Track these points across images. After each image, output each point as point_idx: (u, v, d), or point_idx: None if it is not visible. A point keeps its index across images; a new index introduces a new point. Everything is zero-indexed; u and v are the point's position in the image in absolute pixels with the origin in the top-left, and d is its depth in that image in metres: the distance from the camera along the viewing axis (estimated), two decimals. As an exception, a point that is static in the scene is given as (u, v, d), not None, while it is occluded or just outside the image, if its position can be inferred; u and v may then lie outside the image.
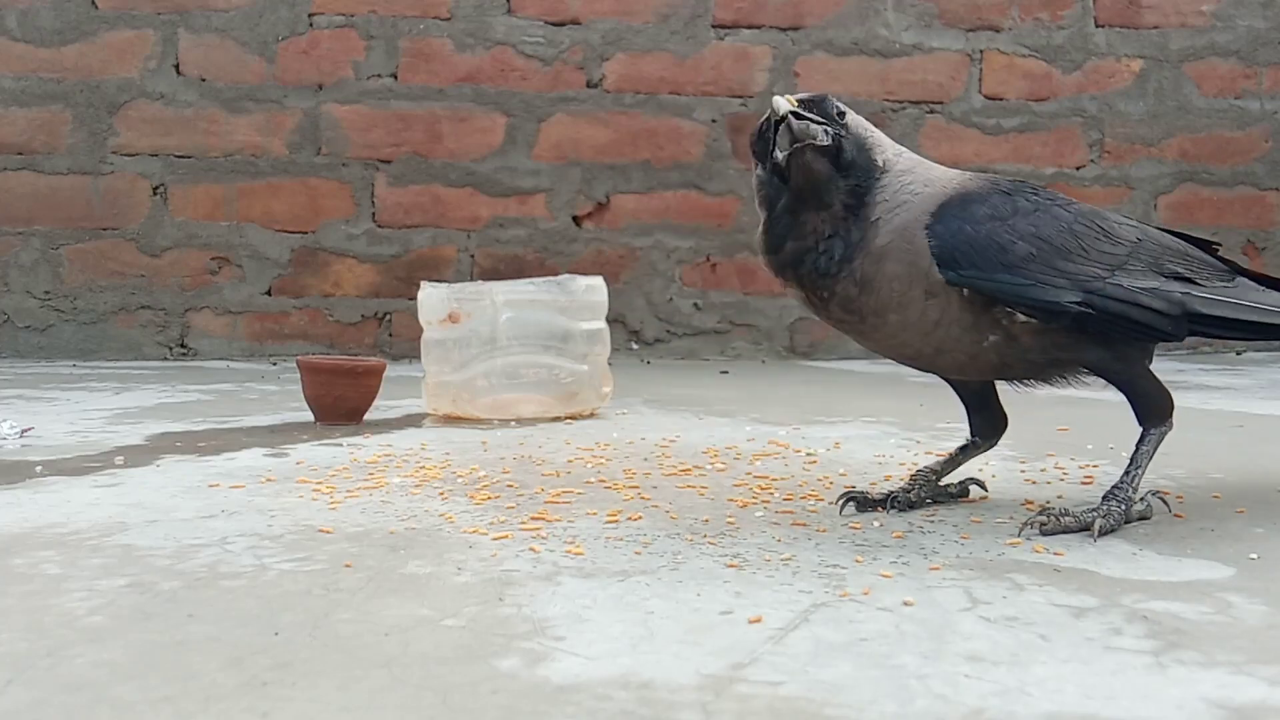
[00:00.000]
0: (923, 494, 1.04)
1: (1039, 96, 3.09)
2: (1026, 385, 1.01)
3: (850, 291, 0.91)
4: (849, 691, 0.55)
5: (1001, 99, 3.08)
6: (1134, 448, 0.96)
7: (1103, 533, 0.89)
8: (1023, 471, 1.23)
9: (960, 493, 1.07)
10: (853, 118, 0.95)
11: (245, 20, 2.93)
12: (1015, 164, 3.08)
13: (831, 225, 0.91)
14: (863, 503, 1.02)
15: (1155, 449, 0.96)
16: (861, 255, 0.91)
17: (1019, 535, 0.90)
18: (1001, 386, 1.06)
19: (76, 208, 2.92)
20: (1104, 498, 0.93)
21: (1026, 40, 3.08)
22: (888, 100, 3.05)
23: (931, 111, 3.06)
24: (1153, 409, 0.95)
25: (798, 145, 0.90)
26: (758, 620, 0.67)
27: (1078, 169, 3.11)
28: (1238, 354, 3.06)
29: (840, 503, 1.01)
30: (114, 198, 2.93)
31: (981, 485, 1.08)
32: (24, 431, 1.49)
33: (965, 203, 0.92)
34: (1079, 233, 0.92)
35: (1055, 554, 0.84)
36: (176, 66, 2.93)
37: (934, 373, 1.00)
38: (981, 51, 3.07)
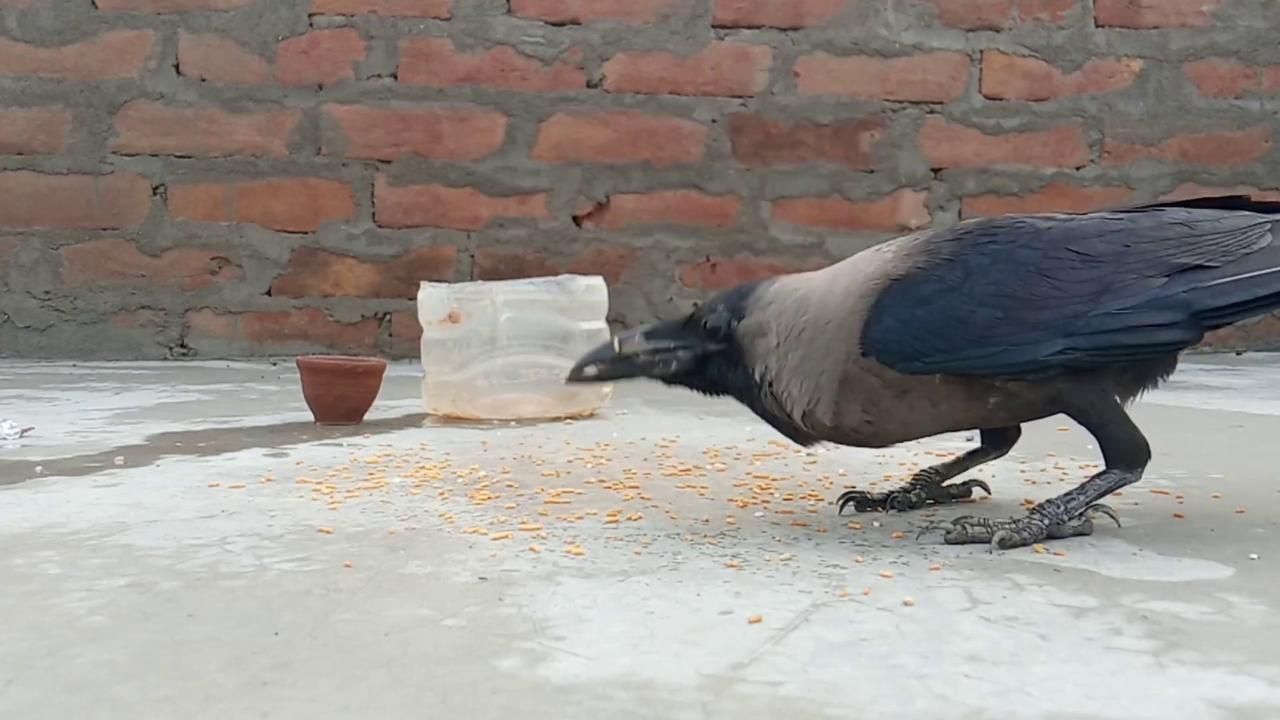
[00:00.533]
0: (924, 494, 1.04)
1: (1039, 96, 3.09)
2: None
3: (835, 439, 0.94)
4: (849, 691, 0.55)
5: (1001, 99, 3.08)
6: (1090, 475, 0.91)
7: (1005, 545, 0.85)
8: (1023, 471, 1.23)
9: (962, 493, 1.06)
10: (743, 325, 0.94)
11: (245, 20, 2.93)
12: (1015, 164, 3.08)
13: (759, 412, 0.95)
14: (862, 502, 1.01)
15: (1108, 490, 0.89)
16: (809, 429, 0.93)
17: (917, 539, 0.89)
18: None
19: (76, 208, 2.92)
20: (1032, 510, 0.89)
21: (1026, 40, 3.08)
22: (888, 100, 3.05)
23: (931, 111, 3.06)
24: (1122, 457, 0.89)
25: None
26: (758, 620, 0.66)
27: (1078, 169, 3.11)
28: (1238, 354, 3.06)
29: (840, 502, 1.01)
30: (114, 198, 2.93)
31: (984, 486, 1.08)
32: (24, 431, 1.49)
33: (903, 290, 0.88)
34: (1049, 270, 0.87)
35: (1055, 554, 0.84)
36: (176, 66, 2.93)
37: (959, 432, 0.98)
38: (981, 51, 3.07)
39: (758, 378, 0.93)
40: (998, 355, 0.85)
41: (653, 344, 0.96)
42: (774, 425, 0.97)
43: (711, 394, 0.98)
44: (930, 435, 0.95)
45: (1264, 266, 0.86)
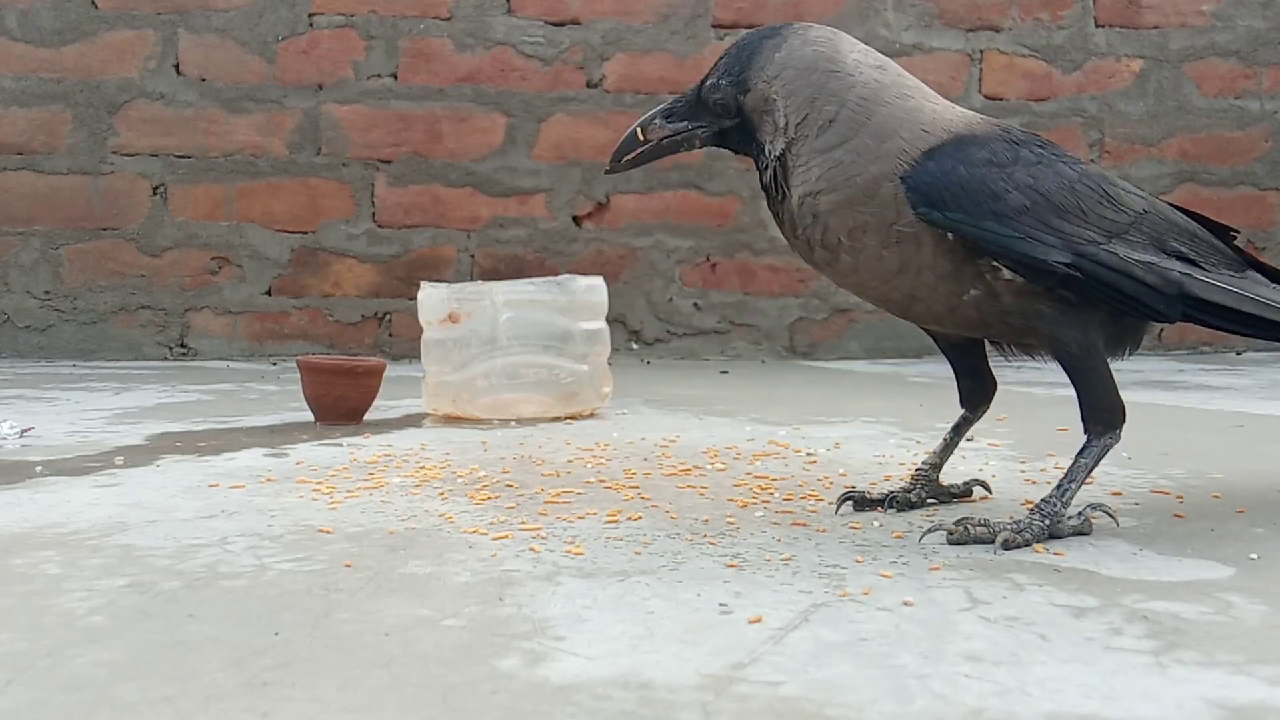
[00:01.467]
0: (924, 494, 1.03)
1: (1039, 96, 3.09)
2: (1003, 350, 0.97)
3: (795, 223, 0.91)
4: (849, 691, 0.55)
5: (1001, 99, 3.08)
6: (1073, 459, 0.90)
7: (1008, 546, 0.85)
8: (1023, 471, 1.23)
9: (963, 493, 1.06)
10: (749, 99, 0.92)
11: (245, 20, 2.93)
12: (1015, 164, 3.08)
13: (765, 163, 0.93)
14: (861, 502, 1.01)
15: (1096, 462, 0.90)
16: (798, 204, 0.90)
17: (919, 541, 0.88)
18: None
19: (76, 208, 2.93)
20: (1031, 509, 0.89)
21: (1026, 40, 3.08)
22: (888, 100, 3.04)
23: (931, 111, 3.06)
24: (1100, 413, 0.89)
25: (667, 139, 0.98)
26: (758, 620, 0.66)
27: (1078, 169, 3.11)
28: (1238, 354, 3.06)
29: (839, 502, 1.01)
30: (114, 198, 2.93)
31: (985, 486, 1.08)
32: (24, 431, 1.49)
33: (961, 145, 0.88)
34: (1081, 193, 0.89)
35: (1055, 554, 0.84)
36: (176, 66, 2.93)
37: (912, 321, 0.96)
38: (981, 51, 3.07)
39: (767, 149, 0.92)
40: (1013, 240, 0.86)
41: (672, 126, 0.98)
42: (774, 201, 0.94)
43: (741, 153, 0.98)
44: (869, 296, 0.94)
45: (1245, 290, 0.91)
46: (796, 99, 0.90)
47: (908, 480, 1.05)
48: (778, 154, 0.91)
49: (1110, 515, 0.91)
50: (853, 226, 0.88)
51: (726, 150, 0.99)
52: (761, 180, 0.94)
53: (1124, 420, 0.91)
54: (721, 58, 0.96)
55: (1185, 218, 0.95)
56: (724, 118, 0.95)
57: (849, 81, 0.90)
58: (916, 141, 0.88)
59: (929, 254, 0.87)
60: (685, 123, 0.97)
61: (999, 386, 1.05)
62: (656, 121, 0.98)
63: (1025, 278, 0.86)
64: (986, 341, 1.01)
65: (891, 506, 1.01)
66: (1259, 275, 0.96)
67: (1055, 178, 0.89)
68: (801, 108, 0.90)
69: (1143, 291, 0.87)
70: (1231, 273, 0.93)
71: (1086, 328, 0.89)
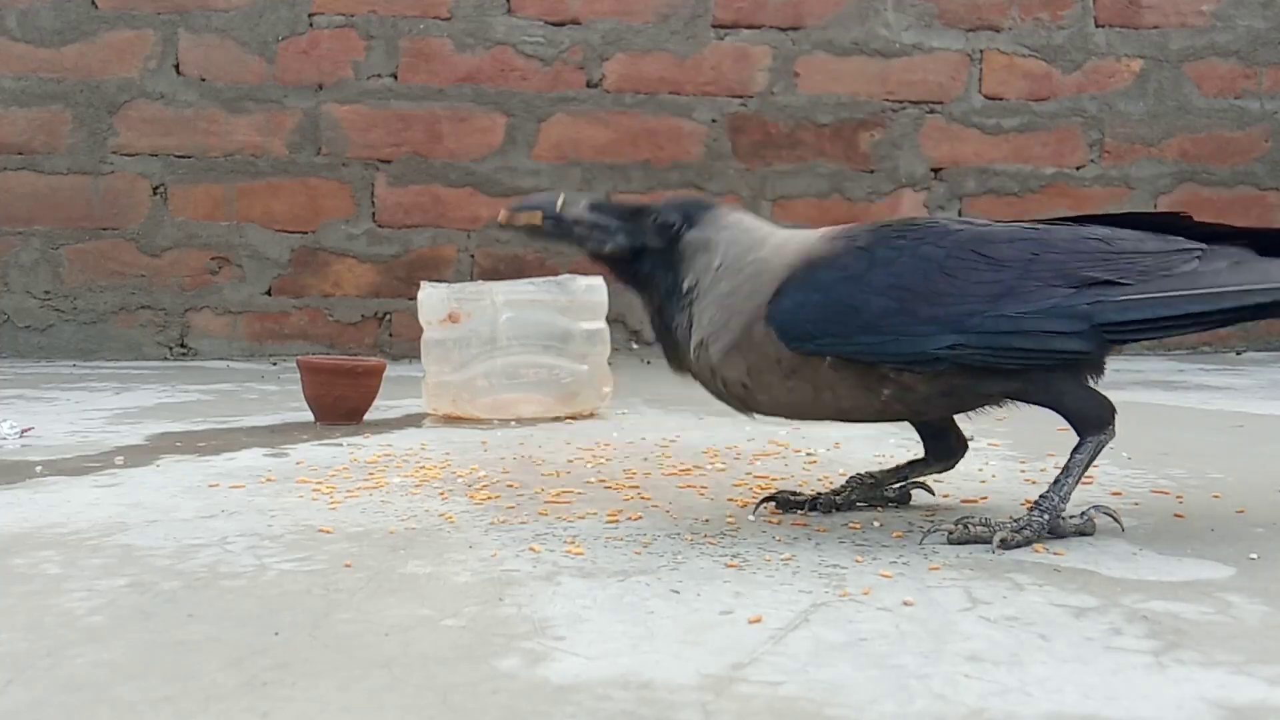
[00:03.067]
0: (852, 497, 1.02)
1: (1039, 96, 3.09)
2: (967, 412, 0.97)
3: (703, 380, 0.95)
4: (849, 691, 0.55)
5: (1001, 99, 3.08)
6: (1068, 456, 0.91)
7: (1006, 546, 0.85)
8: (1023, 471, 1.23)
9: (900, 497, 1.05)
10: (692, 234, 0.95)
11: (245, 20, 2.93)
12: (1015, 164, 3.08)
13: (654, 316, 0.96)
14: (786, 503, 1.00)
15: (1091, 458, 0.90)
16: (695, 358, 0.93)
17: (920, 542, 0.88)
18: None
19: (76, 208, 2.92)
20: (1030, 507, 0.89)
21: (1026, 40, 3.08)
22: (888, 100, 3.05)
23: (931, 111, 3.06)
24: (1086, 421, 0.90)
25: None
26: (758, 620, 0.66)
27: (1078, 169, 3.11)
28: (1237, 354, 3.06)
29: (758, 503, 1.00)
30: (114, 198, 2.93)
31: (927, 488, 1.05)
32: (24, 431, 1.49)
33: (810, 272, 0.90)
34: (951, 268, 0.87)
35: (1055, 554, 0.84)
36: (176, 66, 2.93)
37: (858, 424, 0.98)
38: (981, 51, 3.07)
39: (684, 288, 0.94)
40: (886, 344, 0.86)
41: (595, 217, 0.95)
42: (663, 344, 0.97)
43: (625, 283, 0.98)
44: (807, 419, 0.96)
45: (1175, 289, 0.87)
46: (734, 247, 0.94)
47: (843, 484, 1.04)
48: (697, 292, 0.93)
49: (1114, 518, 0.91)
50: (748, 368, 0.91)
51: (614, 272, 0.98)
52: (665, 321, 0.95)
53: (1113, 415, 0.91)
54: (674, 202, 0.98)
55: (1104, 231, 0.92)
56: (655, 236, 0.95)
57: (761, 243, 0.95)
58: (772, 279, 0.91)
59: (830, 375, 0.89)
60: (612, 221, 0.95)
61: (969, 446, 1.04)
62: (582, 205, 0.95)
63: (919, 372, 0.87)
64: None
65: (815, 509, 1.00)
66: (1239, 250, 0.91)
67: (920, 265, 0.88)
68: (738, 256, 0.94)
69: (1044, 339, 0.86)
70: (1174, 269, 0.88)
71: (1022, 376, 0.88)
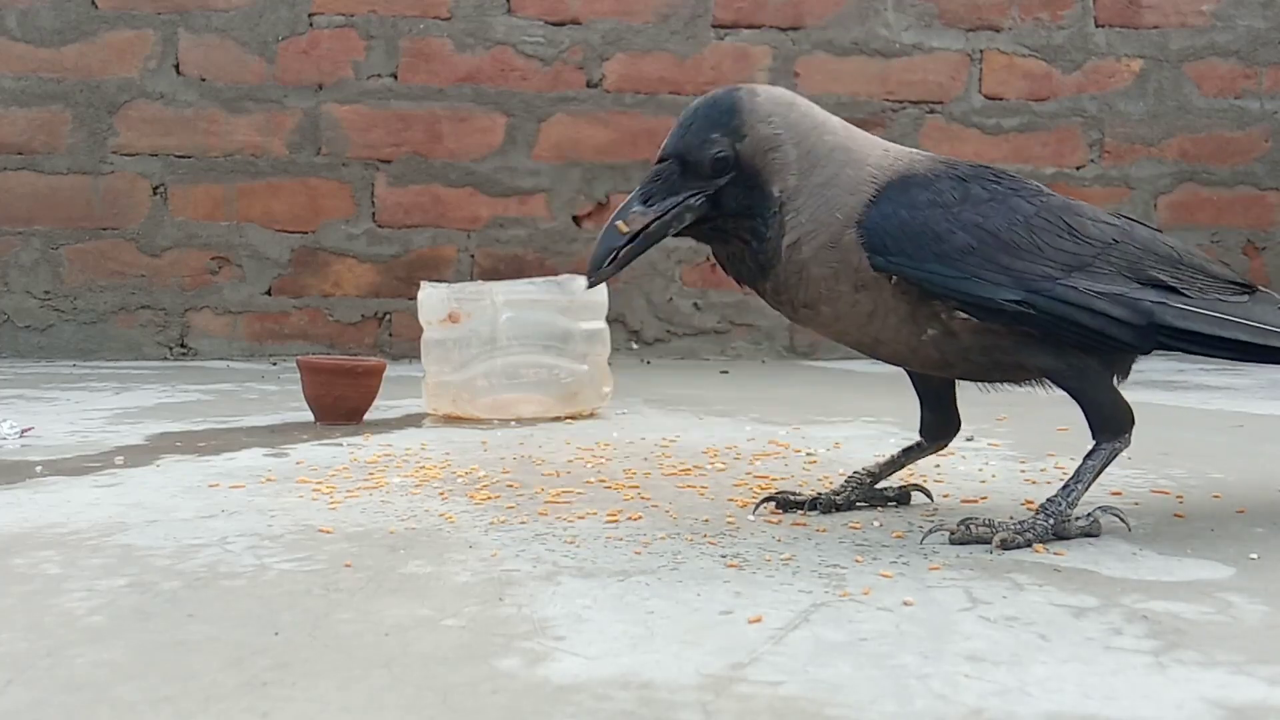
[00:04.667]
0: (852, 497, 1.02)
1: (1039, 96, 3.09)
2: (988, 385, 0.96)
3: (779, 288, 0.90)
4: (849, 691, 0.55)
5: (1001, 99, 3.08)
6: (1080, 460, 0.90)
7: (1006, 547, 0.84)
8: (1023, 471, 1.23)
9: (899, 498, 1.04)
10: (748, 144, 0.88)
11: (245, 20, 2.93)
12: (1015, 164, 3.08)
13: (741, 246, 0.90)
14: (785, 503, 1.00)
15: (1104, 465, 0.89)
16: (785, 258, 0.89)
17: (920, 542, 0.88)
18: (971, 385, 1.00)
19: (76, 208, 2.93)
20: (1036, 510, 0.88)
21: (1026, 40, 3.08)
22: (888, 100, 3.05)
23: (931, 111, 3.06)
24: (1106, 422, 0.89)
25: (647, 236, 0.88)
26: (758, 620, 0.66)
27: (1078, 169, 3.11)
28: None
29: (758, 504, 1.00)
30: (114, 198, 2.93)
31: (925, 491, 1.05)
32: (24, 431, 1.49)
33: (906, 187, 0.87)
34: (1038, 228, 0.87)
35: (1055, 554, 0.84)
36: (176, 66, 2.93)
37: (881, 360, 0.96)
38: (981, 51, 3.07)
39: (776, 191, 0.88)
40: (957, 281, 0.85)
41: (656, 208, 0.88)
42: (745, 267, 0.91)
43: (716, 237, 0.92)
44: (852, 346, 0.94)
45: (1232, 315, 0.89)
46: (798, 130, 0.90)
47: (841, 483, 1.03)
48: (789, 192, 0.88)
49: (1121, 519, 0.90)
50: (828, 273, 0.88)
51: (701, 234, 0.91)
52: (748, 250, 0.90)
53: (1132, 424, 0.90)
54: (684, 124, 0.90)
55: (1169, 244, 0.93)
56: (718, 176, 0.88)
57: (830, 122, 0.92)
58: (868, 185, 0.88)
59: (889, 297, 0.88)
60: (671, 198, 0.88)
61: (961, 427, 1.03)
62: (636, 209, 0.88)
63: (977, 317, 0.86)
64: (958, 380, 1.00)
65: (815, 509, 1.00)
66: (1273, 297, 0.93)
67: (1007, 214, 0.87)
68: (806, 137, 0.89)
69: (1105, 324, 0.86)
70: (1226, 297, 0.90)
71: (1063, 354, 0.88)
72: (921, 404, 1.03)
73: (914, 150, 0.94)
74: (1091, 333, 0.86)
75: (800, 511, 1.00)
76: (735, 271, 0.93)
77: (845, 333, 0.92)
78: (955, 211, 0.86)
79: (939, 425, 1.02)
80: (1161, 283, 0.88)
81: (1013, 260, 0.86)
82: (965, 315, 0.86)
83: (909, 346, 0.90)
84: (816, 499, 1.00)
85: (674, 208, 0.88)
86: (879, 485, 1.04)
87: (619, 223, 0.88)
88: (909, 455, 1.04)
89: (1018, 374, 0.93)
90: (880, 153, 0.91)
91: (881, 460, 1.04)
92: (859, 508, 1.03)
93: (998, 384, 0.96)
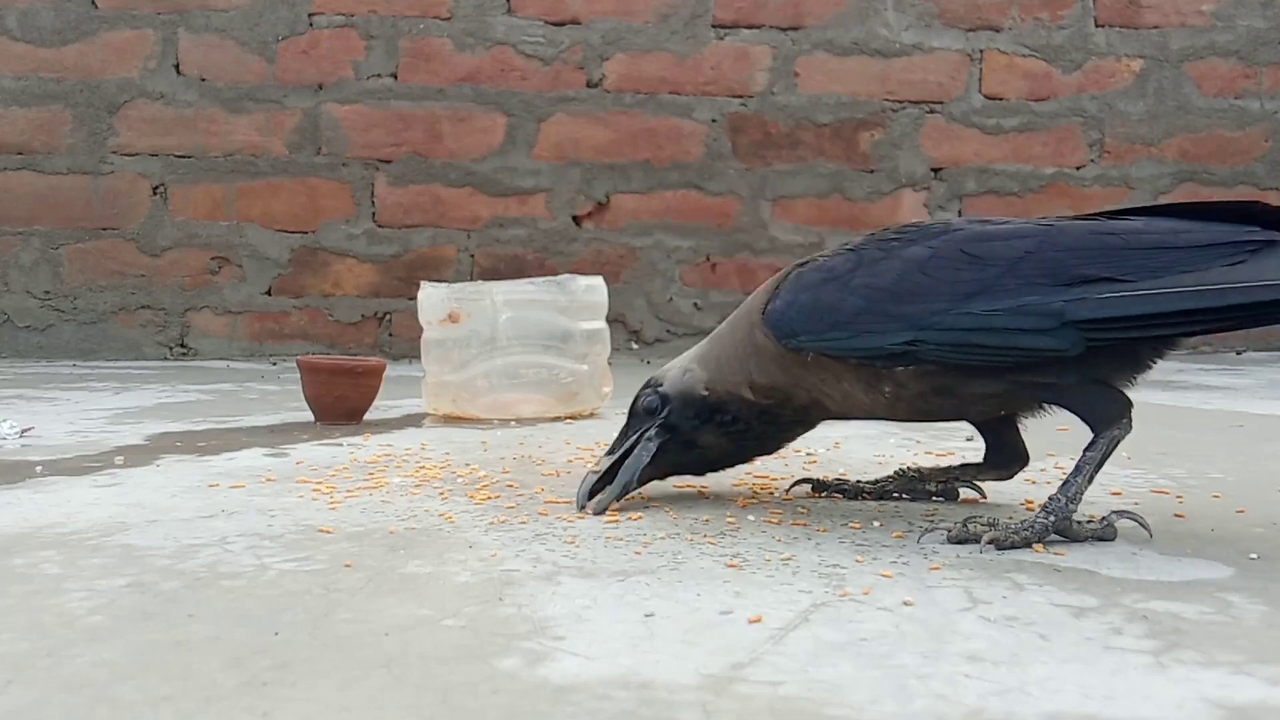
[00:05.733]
0: (890, 487, 1.05)
1: (1039, 96, 3.09)
2: (1020, 415, 0.99)
3: (779, 419, 1.02)
4: (849, 691, 0.55)
5: (1001, 99, 3.08)
6: (1081, 453, 0.88)
7: (1000, 546, 0.84)
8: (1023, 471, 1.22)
9: (947, 494, 1.05)
10: (666, 385, 1.03)
11: (245, 20, 2.93)
12: (1015, 164, 3.08)
13: (731, 436, 1.03)
14: (820, 485, 1.07)
15: (1104, 454, 0.87)
16: (759, 408, 1.00)
17: (918, 541, 0.88)
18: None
19: (76, 208, 2.93)
20: (1040, 508, 0.87)
21: (1026, 40, 3.08)
22: (888, 100, 3.05)
23: (931, 111, 3.06)
24: (1098, 418, 0.88)
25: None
26: (758, 620, 0.66)
27: (1078, 169, 3.11)
28: (1238, 353, 3.06)
29: (792, 485, 1.09)
30: (114, 198, 2.93)
31: (978, 490, 1.06)
32: (24, 431, 1.49)
33: (799, 276, 0.96)
34: (932, 268, 0.89)
35: (1056, 554, 0.84)
36: (176, 66, 2.93)
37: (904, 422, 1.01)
38: (981, 51, 3.07)
39: (702, 393, 1.01)
40: (849, 339, 0.90)
41: (619, 451, 1.02)
42: (759, 435, 1.03)
43: (699, 464, 1.06)
44: (855, 417, 1.00)
45: (1174, 286, 0.83)
46: (696, 350, 1.07)
47: (889, 477, 1.07)
48: (709, 387, 1.02)
49: (1142, 524, 0.88)
50: (782, 375, 0.97)
51: (680, 469, 1.06)
52: (733, 437, 1.02)
53: (1128, 408, 0.88)
54: (636, 405, 1.05)
55: (1121, 231, 0.87)
56: (655, 414, 1.03)
57: (719, 330, 1.06)
58: (763, 294, 0.99)
59: (834, 371, 0.93)
60: (629, 439, 1.03)
61: (1028, 461, 1.04)
62: (603, 457, 1.04)
63: (883, 366, 0.90)
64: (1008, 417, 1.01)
65: (843, 491, 1.07)
66: None
67: (900, 266, 0.90)
68: (695, 354, 1.07)
69: (1009, 337, 0.85)
70: (1209, 266, 0.82)
71: (1000, 377, 0.88)
72: (984, 441, 1.04)
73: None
74: (997, 350, 0.86)
75: (830, 491, 1.07)
76: (759, 453, 1.06)
77: (853, 412, 0.98)
78: (846, 280, 0.92)
79: (1000, 460, 1.03)
80: (1091, 277, 0.84)
81: (902, 306, 0.89)
82: (884, 368, 0.90)
83: (888, 408, 0.95)
84: (847, 483, 1.06)
85: (633, 444, 1.02)
86: (925, 484, 1.06)
87: (590, 469, 1.03)
88: (965, 470, 1.05)
89: (992, 404, 0.94)
90: (774, 280, 1.01)
91: (935, 465, 1.07)
92: (859, 509, 1.03)
93: (1012, 415, 0.99)
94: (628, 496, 1.02)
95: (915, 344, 0.87)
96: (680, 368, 1.04)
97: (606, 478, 1.00)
